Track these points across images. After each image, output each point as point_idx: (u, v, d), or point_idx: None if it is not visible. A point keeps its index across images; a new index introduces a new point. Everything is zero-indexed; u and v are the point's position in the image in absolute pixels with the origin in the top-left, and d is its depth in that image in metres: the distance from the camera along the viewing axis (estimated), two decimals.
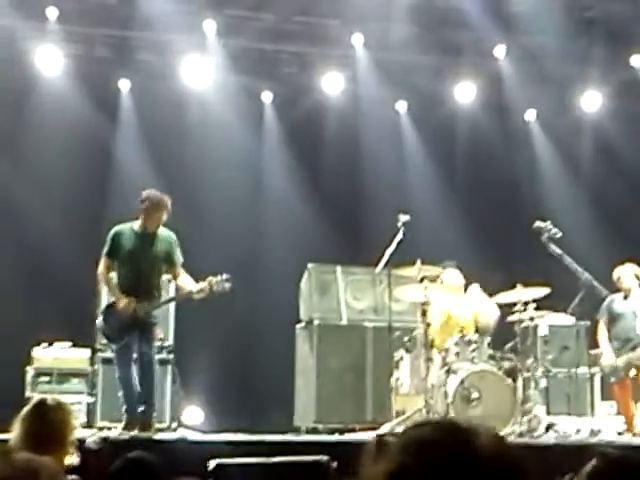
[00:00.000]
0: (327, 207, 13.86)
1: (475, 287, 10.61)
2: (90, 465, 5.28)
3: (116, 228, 8.84)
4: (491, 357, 9.93)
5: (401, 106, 14.61)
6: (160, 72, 13.27)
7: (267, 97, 14.17)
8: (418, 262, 10.10)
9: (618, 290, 10.60)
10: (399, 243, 10.63)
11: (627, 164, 14.12)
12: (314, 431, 10.99)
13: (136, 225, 8.79)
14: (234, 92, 13.42)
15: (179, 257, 8.84)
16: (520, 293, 9.98)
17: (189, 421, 11.10)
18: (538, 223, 10.55)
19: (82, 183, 12.88)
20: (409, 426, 1.42)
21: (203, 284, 8.66)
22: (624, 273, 10.51)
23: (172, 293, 10.06)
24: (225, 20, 12.92)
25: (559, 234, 10.43)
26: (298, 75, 13.98)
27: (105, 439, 7.44)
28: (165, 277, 9.30)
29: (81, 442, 5.70)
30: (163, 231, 8.81)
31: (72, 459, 4.52)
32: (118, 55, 13.19)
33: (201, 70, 13.26)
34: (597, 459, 3.41)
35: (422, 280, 10.06)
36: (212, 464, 6.76)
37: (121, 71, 13.46)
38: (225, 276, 8.69)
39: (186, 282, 8.83)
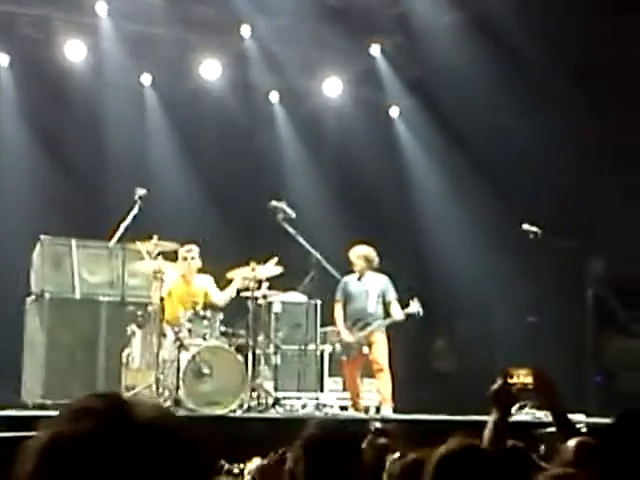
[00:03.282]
0: (67, 177, 13.50)
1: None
2: None
3: None
4: (223, 333, 10.03)
5: (145, 79, 14.40)
6: None
7: (3, 59, 13.54)
8: (155, 237, 10.03)
9: (352, 271, 10.97)
10: (135, 217, 10.52)
11: (365, 148, 14.62)
12: (41, 406, 10.69)
13: None
14: None
15: None
16: (254, 270, 10.13)
17: None
18: (274, 203, 10.75)
19: None
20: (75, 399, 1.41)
21: None
22: (358, 255, 10.87)
23: None
24: None
25: (293, 214, 10.67)
26: (39, 40, 13.44)
27: None
28: None
29: None
30: None
31: None
32: None
33: None
34: (313, 427, 3.53)
35: (158, 255, 10.01)
36: None
37: None
38: None
39: None
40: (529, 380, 3.78)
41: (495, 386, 3.78)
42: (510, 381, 3.77)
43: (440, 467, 3.12)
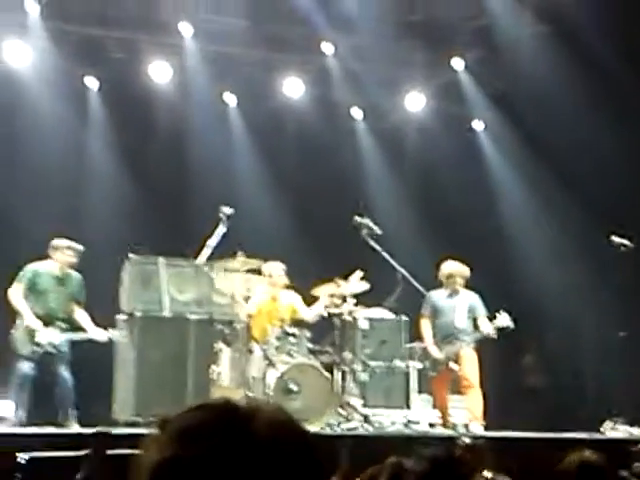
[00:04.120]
0: (152, 197, 13.69)
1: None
2: None
3: (33, 267, 10.05)
4: (311, 351, 10.05)
5: (230, 98, 14.57)
6: None
7: (92, 83, 13.84)
8: (241, 254, 10.12)
9: (439, 286, 10.88)
10: (223, 235, 10.63)
11: (449, 162, 14.54)
12: (133, 424, 10.83)
13: (50, 266, 10.08)
14: (57, 76, 13.02)
15: (83, 297, 10.25)
16: (339, 287, 10.14)
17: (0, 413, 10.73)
18: (357, 219, 10.75)
19: None
20: (182, 411, 1.35)
21: (103, 334, 10.06)
22: (448, 271, 10.77)
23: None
24: (48, 2, 12.55)
25: (378, 230, 10.65)
26: (125, 62, 13.70)
27: None
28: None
29: None
30: (73, 273, 10.20)
31: None
32: None
33: (22, 52, 12.82)
34: (426, 461, 3.46)
35: (245, 273, 10.09)
36: (22, 457, 6.58)
37: None
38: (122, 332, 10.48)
39: (83, 318, 10.12)
40: None
41: None
42: None
43: None
